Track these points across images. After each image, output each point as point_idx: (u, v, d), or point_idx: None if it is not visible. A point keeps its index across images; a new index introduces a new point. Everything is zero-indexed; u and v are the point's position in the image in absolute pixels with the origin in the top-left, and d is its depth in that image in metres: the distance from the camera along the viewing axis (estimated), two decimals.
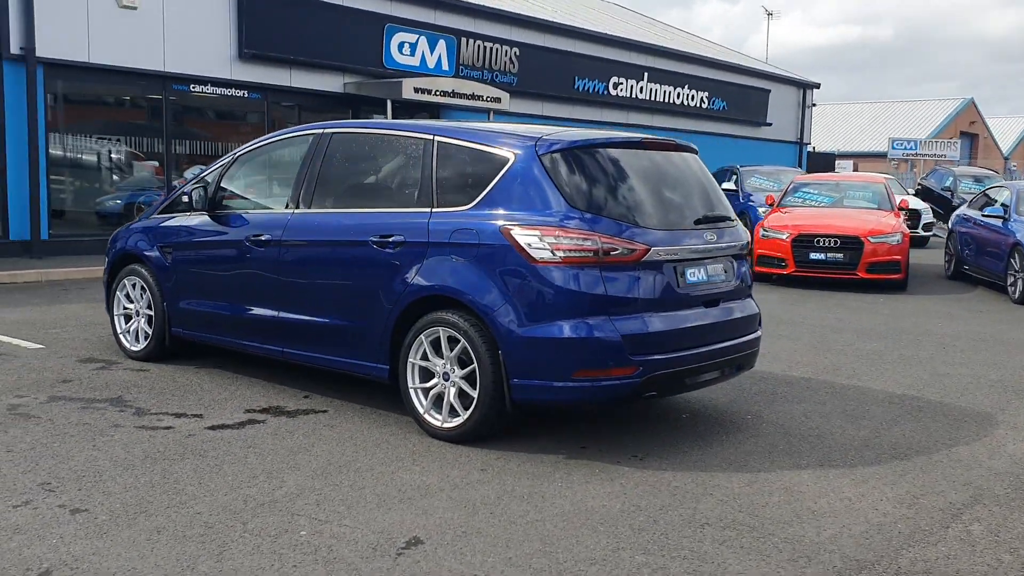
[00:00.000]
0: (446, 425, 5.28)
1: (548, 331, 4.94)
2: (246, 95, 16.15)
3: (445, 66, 19.08)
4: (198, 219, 6.79)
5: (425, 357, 5.36)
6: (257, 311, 6.31)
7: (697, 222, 5.50)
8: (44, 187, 13.57)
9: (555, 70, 21.96)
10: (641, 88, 25.01)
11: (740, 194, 19.84)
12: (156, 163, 15.30)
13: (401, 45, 18.14)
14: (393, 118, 17.24)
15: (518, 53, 20.82)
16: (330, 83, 17.28)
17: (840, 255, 13.17)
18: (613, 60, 23.93)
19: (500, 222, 5.09)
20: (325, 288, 5.90)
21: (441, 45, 18.98)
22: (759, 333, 5.96)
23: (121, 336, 7.42)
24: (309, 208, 6.07)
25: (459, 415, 5.24)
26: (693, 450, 5.33)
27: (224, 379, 6.70)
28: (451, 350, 5.24)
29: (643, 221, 5.17)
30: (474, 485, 4.62)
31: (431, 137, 5.61)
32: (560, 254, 4.90)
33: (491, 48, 20.09)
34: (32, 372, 6.76)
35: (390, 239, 5.49)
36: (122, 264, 7.43)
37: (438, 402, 5.35)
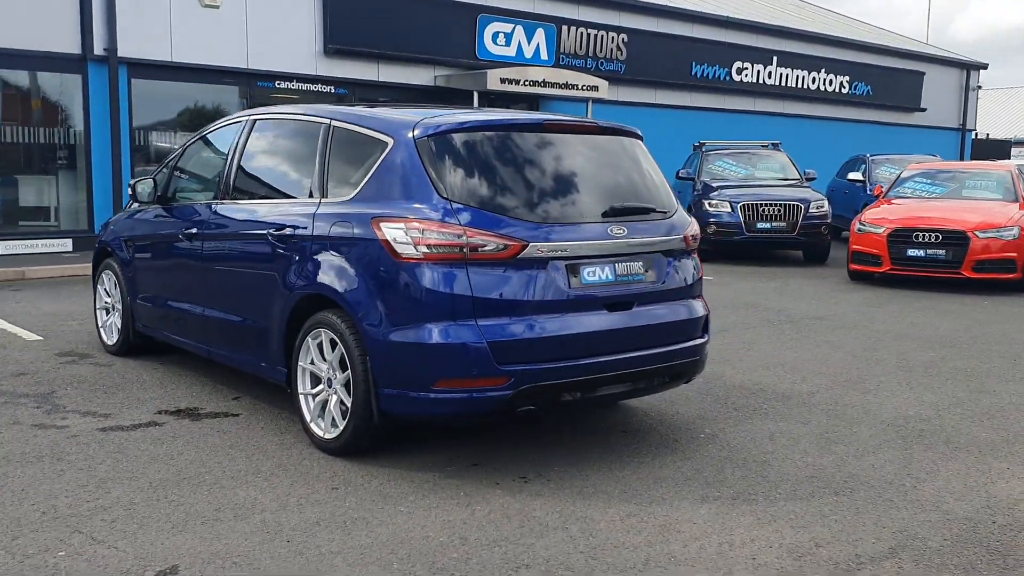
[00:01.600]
0: (327, 436, 4.85)
1: (407, 335, 4.41)
2: (331, 91, 16.21)
3: (544, 55, 18.55)
4: (153, 211, 6.65)
5: (314, 361, 4.95)
6: (187, 307, 6.09)
7: (606, 214, 4.80)
8: (127, 185, 14.06)
9: (669, 56, 20.97)
10: (769, 73, 23.57)
11: (867, 185, 18.23)
12: None
13: (496, 35, 17.76)
14: None
15: (626, 39, 20.00)
16: (421, 76, 17.13)
17: (941, 252, 11.76)
18: (737, 44, 22.64)
19: (372, 214, 4.60)
20: (236, 284, 5.59)
21: (539, 34, 18.46)
22: (702, 339, 5.19)
23: (101, 330, 7.40)
24: (229, 199, 5.79)
25: (338, 426, 4.79)
26: (597, 473, 4.66)
27: (174, 377, 6.51)
28: (333, 354, 4.80)
29: (526, 213, 4.54)
30: (305, 506, 4.16)
31: (328, 121, 5.18)
32: (423, 249, 4.36)
33: (595, 35, 19.38)
34: None
35: (283, 232, 5.11)
36: (102, 257, 7.41)
37: (324, 410, 4.92)
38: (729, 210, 14.50)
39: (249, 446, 5.01)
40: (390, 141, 4.70)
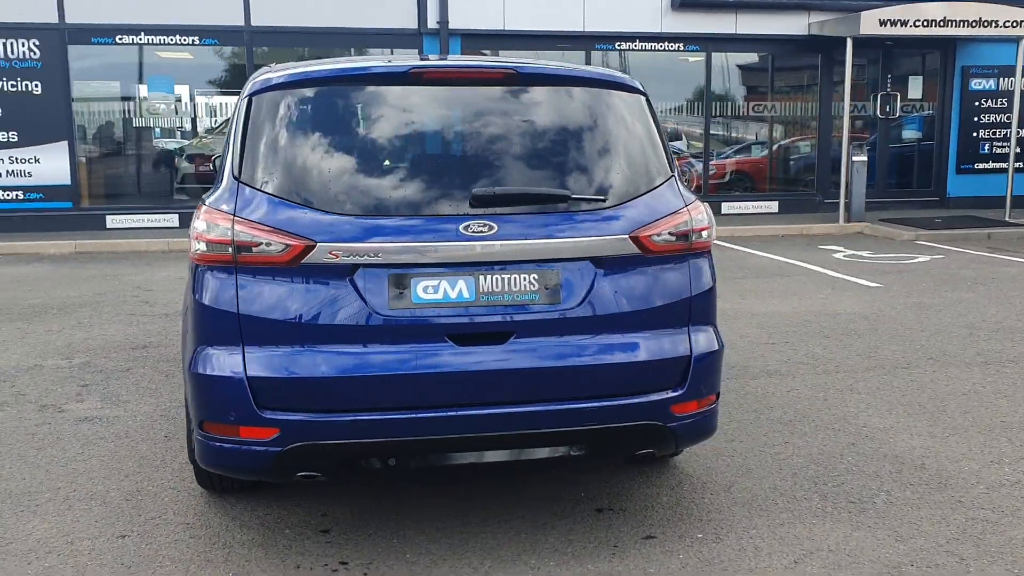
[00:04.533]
0: None
1: (184, 358, 3.41)
2: (681, 48, 14.74)
3: None
4: None
5: None
6: None
7: (475, 204, 3.25)
8: None
9: None
10: None
11: None
12: None
13: None
14: (855, 63, 14.22)
15: None
16: (790, 25, 14.83)
17: None
18: None
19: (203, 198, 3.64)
20: None
21: None
22: (675, 393, 3.38)
23: None
24: None
25: None
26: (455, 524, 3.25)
27: None
28: None
29: (334, 202, 3.23)
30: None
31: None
32: (200, 248, 3.31)
33: None
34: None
35: None
36: None
37: None
38: None
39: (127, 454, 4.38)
40: (243, 104, 3.65)
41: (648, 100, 3.66)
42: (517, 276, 3.26)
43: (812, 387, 5.59)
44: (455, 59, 3.71)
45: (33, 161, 13.19)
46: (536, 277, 3.27)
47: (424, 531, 3.63)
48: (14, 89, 13.05)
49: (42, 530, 3.66)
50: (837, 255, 11.32)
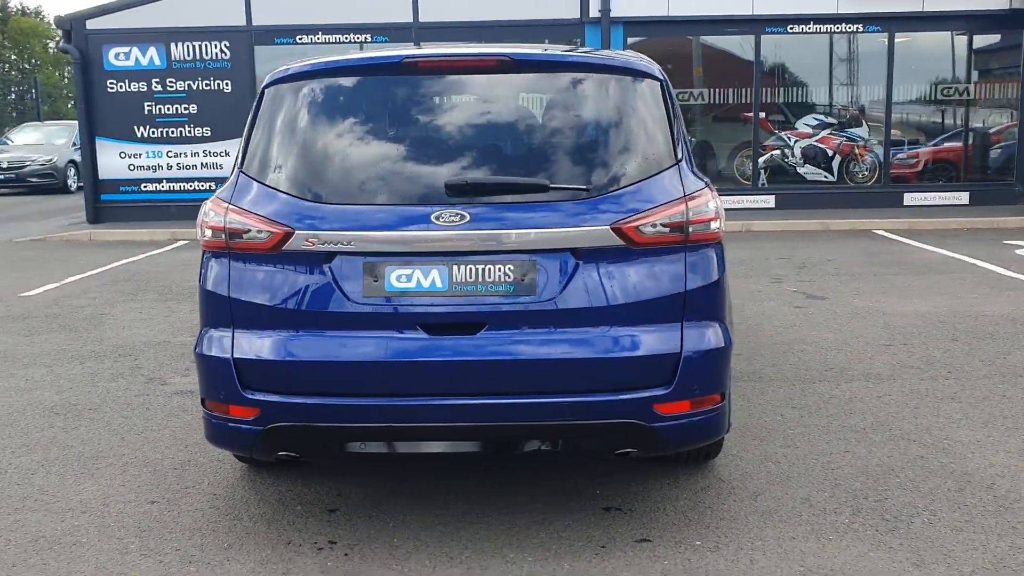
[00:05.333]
0: None
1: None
2: (860, 29, 13.83)
3: None
4: None
5: None
6: None
7: (452, 192, 3.23)
8: None
9: None
10: None
11: None
12: (763, 114, 14.34)
13: None
14: None
15: None
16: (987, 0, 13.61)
17: None
18: None
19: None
20: None
21: None
22: (663, 391, 3.23)
23: None
24: None
25: None
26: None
27: None
28: None
29: (314, 190, 3.32)
30: None
31: None
32: (207, 234, 3.50)
33: None
34: None
35: None
36: None
37: None
38: None
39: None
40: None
41: (658, 83, 3.50)
42: (492, 267, 3.22)
43: (908, 393, 5.14)
44: (450, 47, 3.70)
45: (223, 154, 14.27)
46: (512, 268, 3.22)
47: (423, 517, 3.67)
48: (207, 88, 14.18)
49: (89, 491, 4.01)
50: (1020, 251, 10.30)
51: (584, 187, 3.27)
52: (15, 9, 60.73)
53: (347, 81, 3.50)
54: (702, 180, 3.47)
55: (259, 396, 3.29)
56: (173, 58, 14.11)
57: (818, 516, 3.63)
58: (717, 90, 14.26)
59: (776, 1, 13.65)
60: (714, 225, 3.38)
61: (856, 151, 14.49)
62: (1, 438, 4.70)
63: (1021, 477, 3.97)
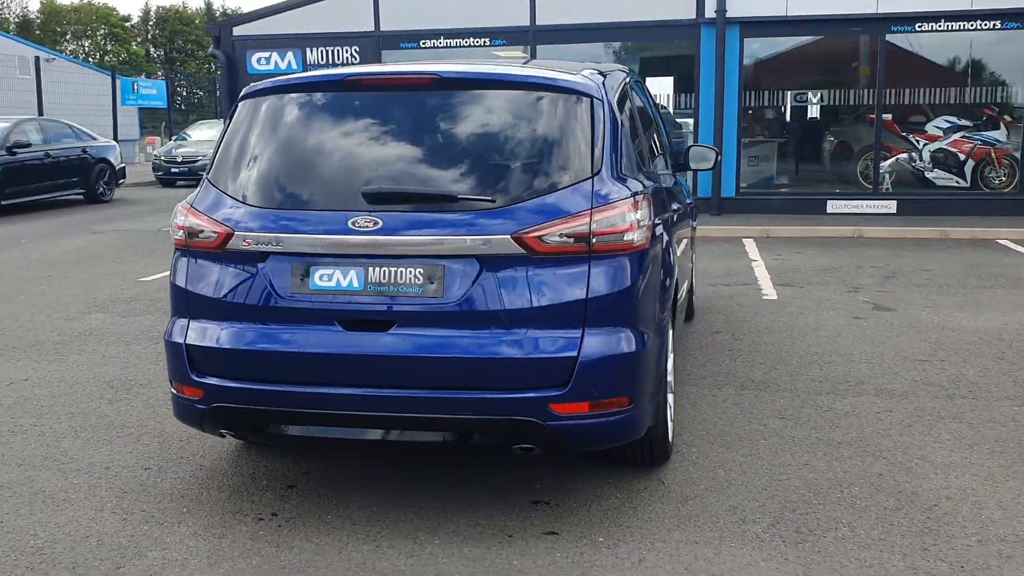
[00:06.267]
0: None
1: None
2: (997, 26, 13.03)
3: None
4: None
5: None
6: None
7: (370, 200, 3.51)
8: (735, 146, 13.87)
9: None
10: None
11: None
12: (888, 117, 13.80)
13: None
14: None
15: None
16: None
17: None
18: None
19: None
20: None
21: None
22: (559, 392, 3.41)
23: None
24: None
25: None
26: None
27: None
28: None
29: (258, 196, 3.71)
30: None
31: None
32: (177, 234, 3.95)
33: None
34: None
35: None
36: None
37: None
38: None
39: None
40: None
41: (587, 99, 3.67)
42: (403, 269, 3.49)
43: (911, 411, 5.02)
44: (391, 67, 3.98)
45: None
46: (422, 271, 3.48)
47: (365, 498, 3.97)
48: None
49: (100, 456, 4.56)
50: None
51: (490, 198, 3.49)
52: (218, 11, 65.09)
53: (300, 97, 3.87)
54: (630, 191, 3.61)
55: (203, 379, 3.70)
56: (308, 62, 15.02)
57: (735, 524, 3.69)
58: (835, 91, 13.85)
59: None
60: (628, 236, 3.51)
61: (993, 155, 13.69)
62: (54, 406, 5.37)
63: (970, 500, 3.87)
